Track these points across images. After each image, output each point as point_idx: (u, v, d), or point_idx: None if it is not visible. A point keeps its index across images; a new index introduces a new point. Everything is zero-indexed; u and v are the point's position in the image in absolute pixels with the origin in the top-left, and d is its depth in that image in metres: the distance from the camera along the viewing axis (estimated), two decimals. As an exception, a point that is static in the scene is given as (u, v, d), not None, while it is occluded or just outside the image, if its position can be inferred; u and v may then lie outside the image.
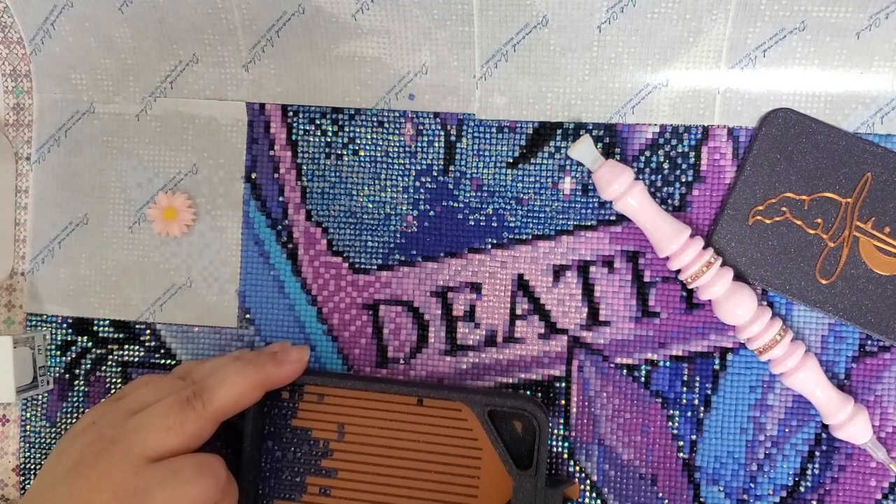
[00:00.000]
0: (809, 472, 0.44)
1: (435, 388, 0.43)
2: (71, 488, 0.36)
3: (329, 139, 0.46)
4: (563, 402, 0.45)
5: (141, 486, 0.36)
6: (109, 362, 0.47)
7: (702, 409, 0.44)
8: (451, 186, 0.45)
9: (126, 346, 0.47)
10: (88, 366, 0.47)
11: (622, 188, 0.42)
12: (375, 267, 0.46)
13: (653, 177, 0.44)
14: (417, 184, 0.46)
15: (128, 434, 0.37)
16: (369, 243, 0.46)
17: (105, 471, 0.36)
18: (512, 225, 0.45)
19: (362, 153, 0.46)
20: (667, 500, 0.44)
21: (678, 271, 0.43)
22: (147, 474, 0.36)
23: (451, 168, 0.45)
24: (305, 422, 0.44)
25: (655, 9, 0.42)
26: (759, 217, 0.43)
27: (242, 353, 0.44)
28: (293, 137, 0.46)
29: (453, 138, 0.45)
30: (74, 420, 0.48)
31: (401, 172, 0.46)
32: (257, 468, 0.44)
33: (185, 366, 0.44)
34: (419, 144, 0.45)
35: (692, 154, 0.44)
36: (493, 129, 0.45)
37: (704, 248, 0.42)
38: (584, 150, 0.43)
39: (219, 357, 0.44)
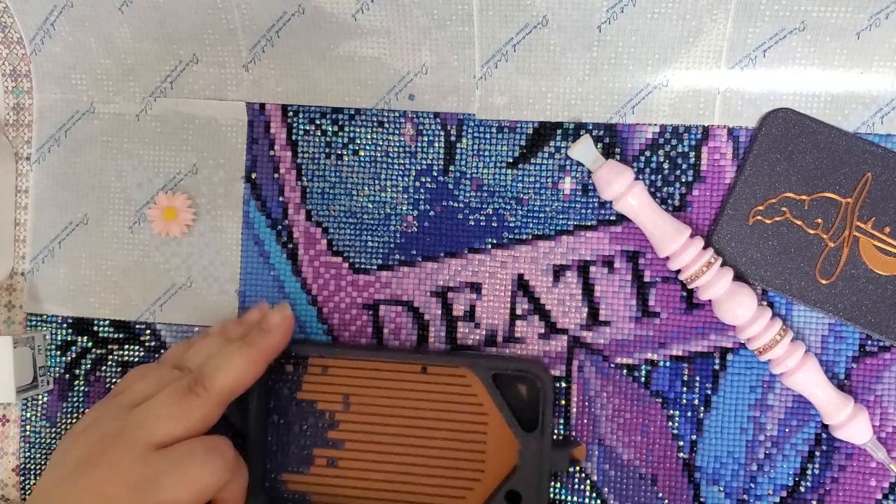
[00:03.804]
0: (809, 472, 0.44)
1: (439, 354, 0.44)
2: (80, 482, 0.36)
3: (329, 139, 0.46)
4: (563, 402, 0.45)
5: (150, 473, 0.36)
6: (109, 362, 0.47)
7: (702, 409, 0.44)
8: (451, 186, 0.45)
9: (126, 346, 0.47)
10: (88, 366, 0.47)
11: (622, 188, 0.42)
12: (375, 267, 0.46)
13: (653, 177, 0.44)
14: (417, 184, 0.46)
15: (132, 426, 0.38)
16: (369, 243, 0.46)
17: (113, 462, 0.36)
18: (512, 225, 0.45)
19: (362, 153, 0.46)
20: (667, 500, 0.44)
21: (678, 271, 0.43)
22: (155, 461, 0.37)
23: (451, 168, 0.45)
24: (310, 394, 0.45)
25: (655, 9, 0.42)
26: (759, 217, 0.43)
27: (225, 327, 0.44)
28: (293, 137, 0.46)
29: (453, 138, 0.45)
30: (74, 420, 0.48)
31: (401, 172, 0.46)
32: (264, 443, 0.44)
33: (174, 351, 0.44)
34: (419, 144, 0.45)
35: (692, 154, 0.44)
36: (493, 129, 0.45)
37: (704, 248, 0.42)
38: (584, 151, 0.43)
39: (205, 337, 0.43)
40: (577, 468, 0.45)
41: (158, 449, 0.37)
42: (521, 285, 0.45)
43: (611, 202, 0.43)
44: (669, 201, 0.44)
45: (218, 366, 0.39)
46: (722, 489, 0.44)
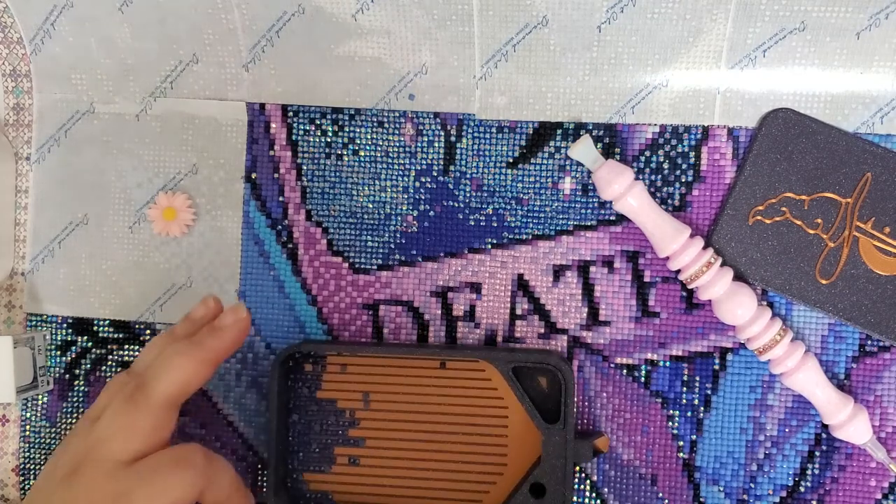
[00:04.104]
0: (809, 472, 0.44)
1: (457, 349, 0.44)
2: (59, 502, 0.37)
3: (329, 139, 0.46)
4: (563, 402, 0.45)
5: (121, 490, 0.36)
6: (109, 362, 0.47)
7: (702, 409, 0.44)
8: (451, 186, 0.45)
9: (126, 346, 0.47)
10: (88, 366, 0.47)
11: (622, 188, 0.42)
12: (375, 267, 0.46)
13: (653, 177, 0.44)
14: (417, 184, 0.46)
15: (95, 444, 0.37)
16: (369, 243, 0.46)
17: (86, 482, 0.36)
18: (512, 225, 0.45)
19: (362, 153, 0.46)
20: (667, 500, 0.44)
21: (678, 271, 0.43)
22: (124, 478, 0.36)
23: (451, 168, 0.45)
24: (330, 393, 0.45)
25: (655, 9, 0.42)
26: (759, 217, 0.43)
27: (179, 327, 0.42)
28: (293, 137, 0.46)
29: (453, 138, 0.45)
30: (74, 420, 0.48)
31: (401, 172, 0.46)
32: (285, 443, 0.44)
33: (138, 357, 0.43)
34: (419, 144, 0.45)
35: (692, 154, 0.44)
36: (493, 129, 0.45)
37: (704, 248, 0.42)
38: (584, 151, 0.43)
39: (159, 338, 0.41)
40: (578, 468, 0.45)
41: (128, 464, 0.37)
42: (521, 285, 0.45)
43: (611, 202, 0.43)
44: (669, 201, 0.44)
45: (160, 370, 0.38)
46: (722, 489, 0.44)
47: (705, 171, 0.44)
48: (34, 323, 0.48)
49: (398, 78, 0.45)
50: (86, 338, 0.48)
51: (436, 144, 0.45)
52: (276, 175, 0.46)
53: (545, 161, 0.45)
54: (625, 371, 0.45)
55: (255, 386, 0.46)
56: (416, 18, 0.44)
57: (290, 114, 0.46)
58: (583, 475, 0.45)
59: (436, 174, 0.45)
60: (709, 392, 0.44)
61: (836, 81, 0.43)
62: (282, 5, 0.44)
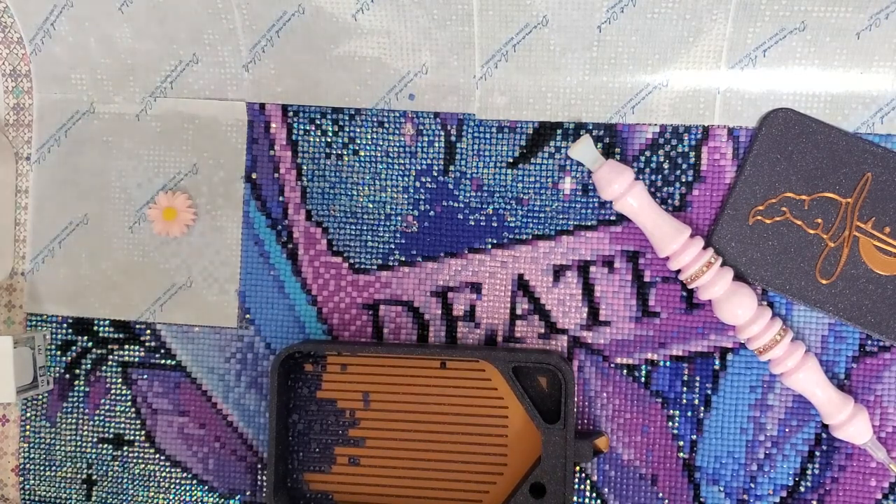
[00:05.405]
0: (809, 472, 0.44)
1: (457, 349, 0.44)
2: None
3: (329, 139, 0.46)
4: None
5: None
6: (109, 362, 0.47)
7: (702, 409, 0.44)
8: (451, 186, 0.45)
9: (126, 346, 0.47)
10: (88, 366, 0.47)
11: (622, 188, 0.42)
12: (375, 267, 0.46)
13: (653, 177, 0.44)
14: (417, 184, 0.46)
15: None
16: (369, 243, 0.46)
17: None
18: (512, 225, 0.45)
19: (362, 153, 0.46)
20: (667, 500, 0.44)
21: (678, 271, 0.43)
22: None
23: (451, 168, 0.45)
24: (330, 393, 0.45)
25: (655, 9, 0.42)
26: (759, 217, 0.43)
27: None
28: (293, 137, 0.46)
29: (453, 138, 0.45)
30: (74, 420, 0.48)
31: (401, 172, 0.46)
32: (285, 443, 0.44)
33: None
34: (419, 144, 0.45)
35: (692, 154, 0.44)
36: (493, 129, 0.45)
37: (704, 248, 0.42)
38: (584, 150, 0.43)
39: None
40: (578, 468, 0.45)
41: None
42: (521, 285, 0.45)
43: (611, 202, 0.43)
44: (669, 201, 0.44)
45: None
46: (722, 489, 0.44)
47: (705, 171, 0.44)
48: (34, 323, 0.48)
49: (398, 78, 0.45)
50: (86, 338, 0.48)
51: (436, 144, 0.45)
52: (276, 175, 0.46)
53: (545, 161, 0.45)
54: (625, 371, 0.45)
55: (255, 386, 0.46)
56: (416, 18, 0.44)
57: (290, 114, 0.46)
58: (583, 475, 0.45)
59: (436, 174, 0.45)
60: (709, 392, 0.44)
61: (836, 81, 0.43)
62: (282, 5, 0.44)
